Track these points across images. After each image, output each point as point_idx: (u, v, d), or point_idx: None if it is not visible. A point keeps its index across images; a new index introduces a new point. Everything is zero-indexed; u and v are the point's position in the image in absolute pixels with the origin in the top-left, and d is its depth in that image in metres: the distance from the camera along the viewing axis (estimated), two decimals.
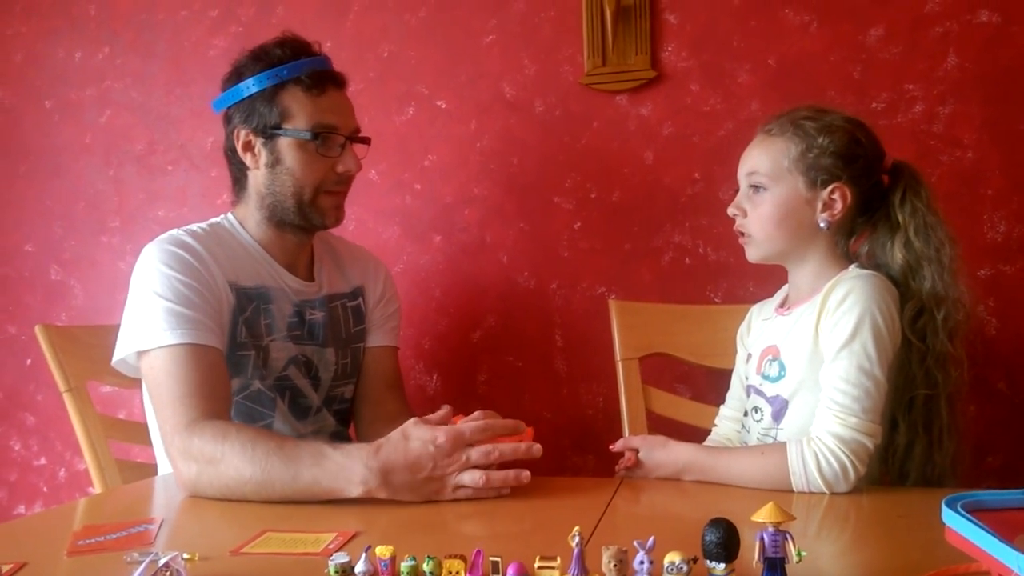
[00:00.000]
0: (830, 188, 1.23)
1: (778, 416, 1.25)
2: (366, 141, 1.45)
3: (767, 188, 1.25)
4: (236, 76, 1.38)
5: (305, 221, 1.40)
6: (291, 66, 1.35)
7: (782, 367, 1.26)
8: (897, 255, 1.24)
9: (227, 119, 1.41)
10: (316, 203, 1.38)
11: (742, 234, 1.30)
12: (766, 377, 1.29)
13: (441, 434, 1.09)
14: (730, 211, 1.29)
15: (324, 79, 1.37)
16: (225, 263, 1.35)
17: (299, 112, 1.35)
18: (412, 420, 1.12)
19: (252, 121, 1.36)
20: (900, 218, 1.25)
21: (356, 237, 1.75)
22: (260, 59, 1.37)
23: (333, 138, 1.37)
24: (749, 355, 1.37)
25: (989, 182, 1.62)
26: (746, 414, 1.34)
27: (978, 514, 0.70)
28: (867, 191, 1.26)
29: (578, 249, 1.80)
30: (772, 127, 1.27)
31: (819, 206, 1.24)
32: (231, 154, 1.41)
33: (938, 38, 1.63)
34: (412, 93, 1.86)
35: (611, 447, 1.28)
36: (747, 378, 1.36)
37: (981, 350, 1.48)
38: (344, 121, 1.39)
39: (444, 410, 1.17)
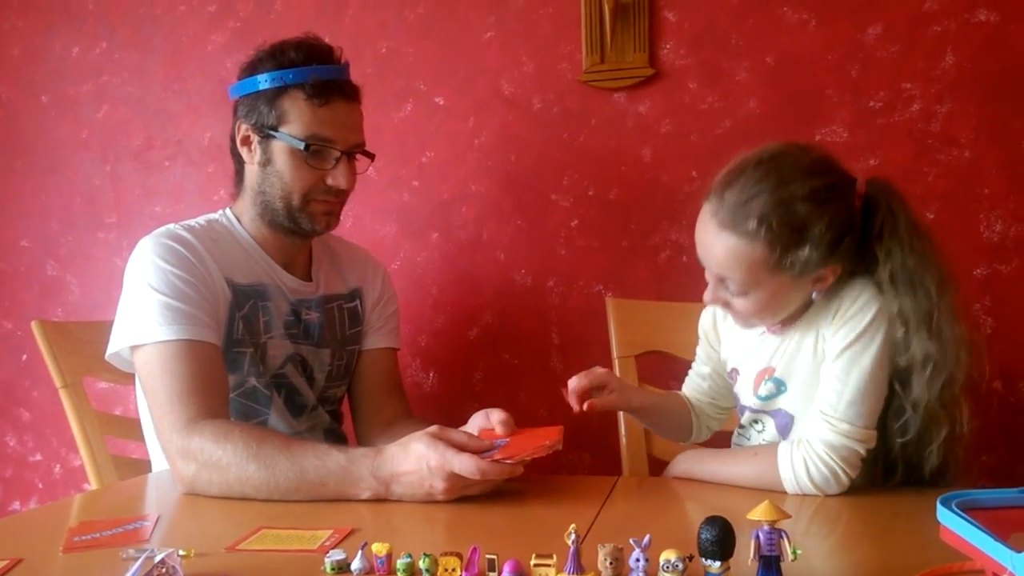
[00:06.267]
0: (819, 271, 1.11)
1: (783, 430, 1.19)
2: (369, 156, 1.44)
3: (747, 293, 1.13)
4: (251, 68, 1.37)
5: (295, 225, 1.38)
6: (297, 71, 1.32)
7: (780, 384, 1.20)
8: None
9: (234, 109, 1.40)
10: (306, 209, 1.37)
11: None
12: (762, 398, 1.22)
13: (433, 459, 1.04)
14: (707, 301, 1.18)
15: (330, 90, 1.33)
16: (221, 259, 1.34)
17: (296, 119, 1.33)
18: (423, 432, 1.08)
19: (252, 117, 1.36)
20: (880, 257, 1.12)
21: (353, 234, 1.74)
22: (273, 57, 1.35)
23: (327, 152, 1.35)
24: (735, 370, 1.28)
25: (986, 181, 1.62)
26: (742, 427, 1.29)
27: (973, 512, 0.70)
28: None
29: (575, 247, 1.80)
30: (722, 214, 1.10)
31: (809, 286, 1.13)
32: (233, 144, 1.40)
33: (936, 37, 1.63)
34: (410, 89, 1.85)
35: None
36: (739, 396, 1.28)
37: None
38: (342, 135, 1.36)
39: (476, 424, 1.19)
